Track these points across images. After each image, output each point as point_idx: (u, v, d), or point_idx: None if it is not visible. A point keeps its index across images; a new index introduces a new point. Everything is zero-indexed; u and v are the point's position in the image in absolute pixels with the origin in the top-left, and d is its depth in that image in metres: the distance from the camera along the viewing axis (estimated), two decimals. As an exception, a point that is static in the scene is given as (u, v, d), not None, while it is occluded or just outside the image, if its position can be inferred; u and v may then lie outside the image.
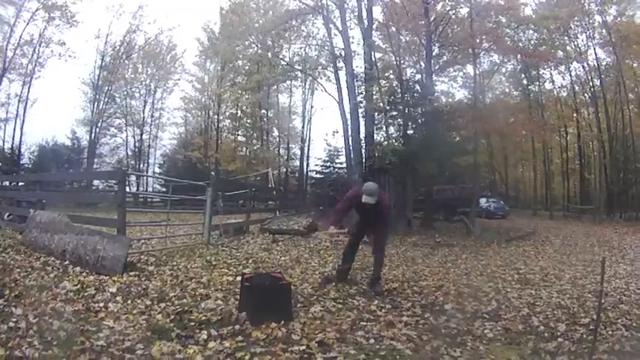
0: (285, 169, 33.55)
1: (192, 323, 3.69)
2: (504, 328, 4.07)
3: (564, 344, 3.67)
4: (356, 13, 15.68)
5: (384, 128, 15.89)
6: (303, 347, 3.27)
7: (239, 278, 4.81)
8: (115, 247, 5.35)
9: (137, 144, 32.26)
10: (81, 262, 5.41)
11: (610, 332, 4.00)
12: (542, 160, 30.71)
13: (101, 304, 4.00)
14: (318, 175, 19.69)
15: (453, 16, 16.79)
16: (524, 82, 28.46)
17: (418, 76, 16.70)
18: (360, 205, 5.32)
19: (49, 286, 4.40)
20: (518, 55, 20.14)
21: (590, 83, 27.17)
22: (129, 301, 4.16)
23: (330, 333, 3.62)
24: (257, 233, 10.99)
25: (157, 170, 33.11)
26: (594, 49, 26.47)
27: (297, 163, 34.74)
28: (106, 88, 29.99)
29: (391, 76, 16.60)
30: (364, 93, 14.71)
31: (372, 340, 3.55)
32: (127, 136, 32.06)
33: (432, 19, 16.37)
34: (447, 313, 4.45)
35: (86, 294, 4.31)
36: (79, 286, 4.56)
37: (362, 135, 14.53)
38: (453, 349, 3.42)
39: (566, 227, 18.50)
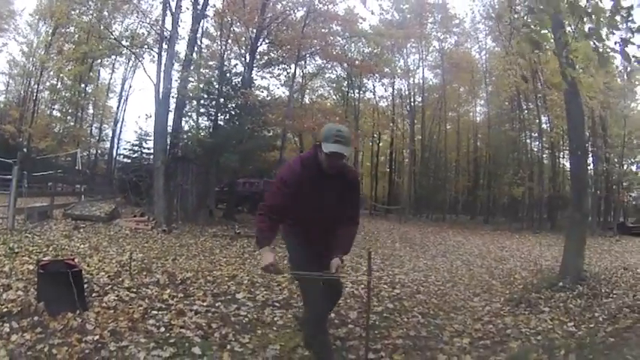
0: (95, 151, 32.53)
1: (-6, 316, 3.57)
2: (294, 316, 4.17)
3: (355, 330, 3.90)
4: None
5: (195, 117, 16.11)
6: (97, 337, 3.31)
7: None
8: None
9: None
10: None
11: (406, 319, 4.33)
12: (352, 161, 33.31)
13: None
14: (125, 160, 19.11)
15: (289, 17, 17.70)
16: (345, 88, 30.58)
17: (240, 69, 17.19)
18: (314, 177, 2.76)
19: None
20: (344, 63, 21.90)
21: (411, 98, 30.54)
22: None
23: (122, 322, 3.68)
24: (60, 218, 10.82)
25: (-29, 144, 29.09)
26: (423, 69, 30.13)
27: (108, 145, 33.49)
28: None
29: (213, 65, 16.78)
30: (179, 79, 14.70)
31: (162, 329, 3.64)
32: (-57, 104, 27.81)
33: (267, 15, 17.09)
34: (238, 302, 4.60)
35: None
36: None
37: (170, 122, 14.45)
38: (242, 336, 3.59)
39: (371, 224, 19.96)
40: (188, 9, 15.75)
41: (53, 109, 30.84)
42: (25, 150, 24.88)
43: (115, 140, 32.30)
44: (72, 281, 3.92)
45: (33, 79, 29.60)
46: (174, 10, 14.90)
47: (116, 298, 4.40)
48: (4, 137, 26.71)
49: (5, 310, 3.75)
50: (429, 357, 3.37)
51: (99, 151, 33.16)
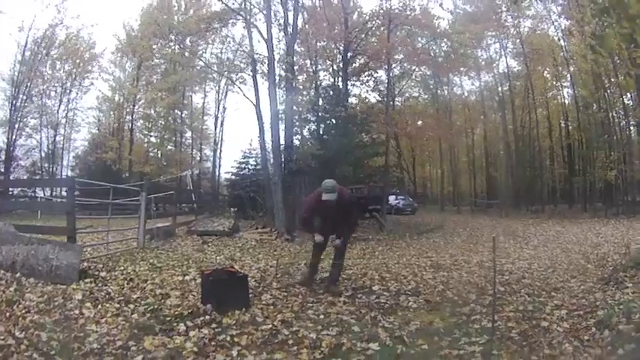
0: (197, 171, 34.73)
1: (168, 318, 4.28)
2: (425, 300, 5.34)
3: (476, 308, 4.90)
4: (280, 21, 16.87)
5: (300, 132, 17.35)
6: (269, 326, 4.15)
7: (187, 277, 6.01)
8: (68, 255, 5.59)
9: (50, 146, 32.02)
10: (34, 272, 5.51)
11: (515, 298, 5.31)
12: (448, 159, 33.99)
13: (76, 312, 4.29)
14: (233, 177, 20.62)
15: (370, 26, 18.36)
16: (433, 87, 31.29)
17: (331, 81, 18.32)
18: (322, 206, 5.55)
19: (15, 299, 4.53)
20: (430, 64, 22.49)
21: (499, 89, 30.72)
22: (99, 306, 4.52)
23: (287, 314, 4.59)
24: (184, 236, 11.71)
25: (70, 173, 32.66)
26: (506, 57, 30.20)
27: (209, 164, 36.36)
28: (25, 86, 29.30)
29: (304, 79, 17.90)
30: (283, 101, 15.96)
31: (321, 316, 4.59)
32: (40, 138, 31.57)
33: (353, 28, 17.76)
34: (375, 293, 5.63)
35: (56, 304, 4.51)
36: (44, 297, 4.70)
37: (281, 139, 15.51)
38: (387, 317, 4.59)
39: (474, 220, 20.78)
40: (283, 35, 17.09)
41: (150, 136, 33.92)
42: (125, 175, 27.80)
43: (217, 159, 35.30)
44: (238, 284, 4.90)
45: (125, 111, 32.80)
46: (266, 37, 16.18)
47: (271, 296, 5.30)
48: (107, 164, 29.88)
49: (176, 313, 4.44)
50: (534, 324, 4.25)
51: (201, 171, 35.77)
